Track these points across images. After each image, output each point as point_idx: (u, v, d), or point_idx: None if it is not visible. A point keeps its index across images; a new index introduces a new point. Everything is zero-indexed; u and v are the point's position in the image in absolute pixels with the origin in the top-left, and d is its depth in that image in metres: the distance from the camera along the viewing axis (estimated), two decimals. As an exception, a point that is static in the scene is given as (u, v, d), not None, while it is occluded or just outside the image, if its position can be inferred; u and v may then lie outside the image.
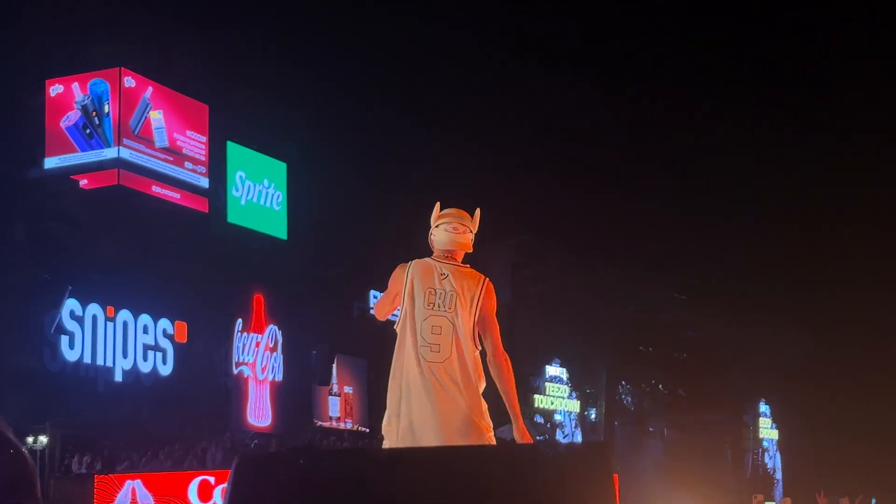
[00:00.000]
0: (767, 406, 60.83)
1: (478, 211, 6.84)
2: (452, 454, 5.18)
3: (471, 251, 6.75)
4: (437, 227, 6.69)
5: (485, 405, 6.34)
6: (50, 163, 35.87)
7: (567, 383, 51.36)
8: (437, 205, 6.80)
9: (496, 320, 6.52)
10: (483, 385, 6.45)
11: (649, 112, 54.39)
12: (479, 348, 6.43)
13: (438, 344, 6.28)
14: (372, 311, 43.77)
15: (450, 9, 48.45)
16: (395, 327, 6.53)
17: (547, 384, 50.10)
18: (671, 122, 55.36)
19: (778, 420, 60.95)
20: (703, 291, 54.20)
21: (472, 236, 6.74)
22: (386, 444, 6.34)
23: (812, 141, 54.47)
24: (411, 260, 6.63)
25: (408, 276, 6.50)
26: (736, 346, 53.87)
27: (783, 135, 56.43)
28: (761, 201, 55.60)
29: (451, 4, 49.07)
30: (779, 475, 59.77)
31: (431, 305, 6.35)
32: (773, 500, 57.81)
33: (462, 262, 6.67)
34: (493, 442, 6.25)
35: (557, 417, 50.36)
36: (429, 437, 6.11)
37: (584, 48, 54.01)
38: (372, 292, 42.96)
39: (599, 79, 55.06)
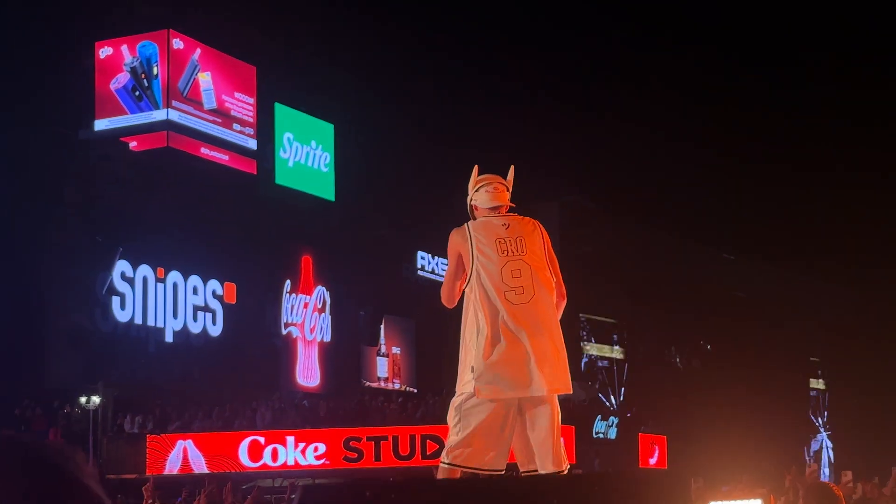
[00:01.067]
0: (818, 367, 60.49)
1: (511, 168, 7.04)
2: (527, 484, 5.34)
3: (513, 207, 6.95)
4: (476, 191, 6.87)
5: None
6: (100, 125, 36.13)
7: (615, 343, 51.28)
8: (475, 169, 6.95)
9: (555, 255, 6.78)
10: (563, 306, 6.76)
11: (693, 70, 53.86)
12: (554, 279, 6.66)
13: (521, 286, 6.45)
14: (420, 273, 43.83)
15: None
16: (463, 288, 6.59)
17: (595, 344, 50.04)
18: (719, 80, 54.81)
19: (827, 378, 60.61)
20: (751, 252, 53.84)
21: (509, 194, 6.95)
22: (469, 399, 6.40)
23: (861, 99, 53.70)
24: (463, 224, 6.74)
25: (470, 235, 6.63)
26: (784, 306, 53.51)
27: (834, 92, 55.66)
28: (811, 162, 54.97)
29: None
30: (825, 440, 59.51)
31: (505, 252, 6.52)
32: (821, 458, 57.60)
33: None
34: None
35: (603, 367, 50.32)
36: (524, 378, 6.31)
37: (624, 7, 53.52)
38: (419, 253, 43.00)
39: (647, 39, 54.53)
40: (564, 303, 6.67)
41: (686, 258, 51.17)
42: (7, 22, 33.86)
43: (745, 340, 50.87)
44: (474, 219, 6.80)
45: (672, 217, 51.23)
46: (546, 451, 6.39)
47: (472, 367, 6.40)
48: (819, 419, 60.20)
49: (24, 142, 32.13)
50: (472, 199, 6.88)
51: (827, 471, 54.13)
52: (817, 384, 60.85)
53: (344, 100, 41.58)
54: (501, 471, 6.43)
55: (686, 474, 4.77)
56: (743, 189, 54.49)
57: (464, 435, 6.32)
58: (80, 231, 32.03)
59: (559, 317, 6.60)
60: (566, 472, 6.40)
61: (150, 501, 10.29)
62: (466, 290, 6.53)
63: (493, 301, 6.42)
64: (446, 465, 6.35)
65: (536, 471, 6.38)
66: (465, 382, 6.44)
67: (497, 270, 6.46)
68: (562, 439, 6.50)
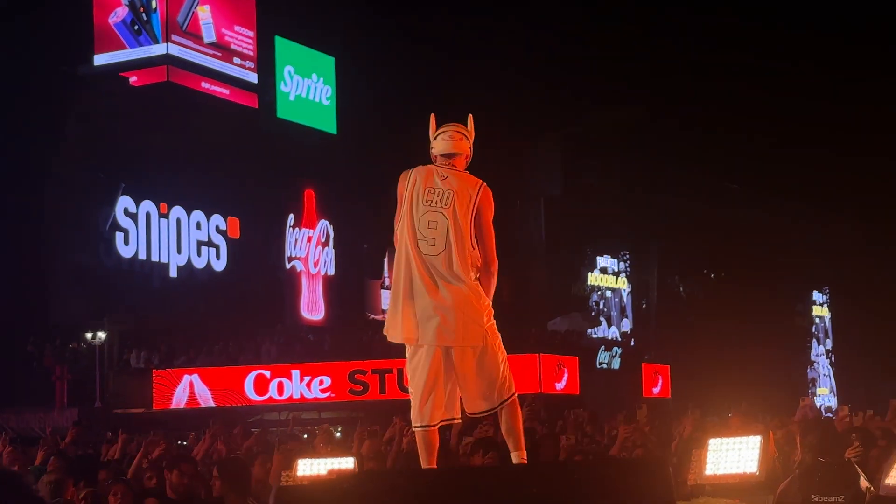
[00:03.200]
0: (821, 295, 60.64)
1: (470, 118, 6.99)
2: (513, 473, 5.46)
3: (470, 157, 6.91)
4: (435, 139, 6.89)
5: (482, 292, 6.53)
6: (99, 60, 35.93)
7: (618, 273, 51.37)
8: (433, 117, 6.98)
9: (492, 228, 6.66)
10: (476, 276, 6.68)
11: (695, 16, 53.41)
12: (475, 249, 6.58)
13: (434, 238, 6.51)
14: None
15: None
16: (395, 227, 6.71)
17: (598, 275, 50.15)
18: (716, 26, 54.34)
19: (832, 307, 60.78)
20: (755, 181, 53.70)
21: (469, 143, 6.91)
22: (391, 339, 6.58)
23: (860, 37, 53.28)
24: (414, 167, 6.87)
25: (409, 178, 6.78)
26: (788, 236, 53.52)
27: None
28: (815, 90, 54.63)
29: None
30: (826, 368, 59.78)
31: (429, 202, 6.61)
32: (824, 391, 57.93)
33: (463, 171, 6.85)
34: (493, 325, 6.54)
35: (607, 298, 50.48)
36: (430, 329, 6.40)
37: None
38: (422, 186, 42.90)
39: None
40: (493, 280, 6.60)
41: (690, 188, 51.06)
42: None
43: (749, 269, 50.92)
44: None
45: (676, 147, 51.03)
46: (470, 394, 6.50)
47: (389, 312, 6.60)
48: (822, 346, 60.46)
49: (24, 79, 31.97)
50: (431, 147, 6.92)
51: (834, 400, 54.51)
52: (821, 311, 61.03)
53: (345, 32, 41.27)
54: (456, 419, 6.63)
55: (666, 461, 4.83)
56: (748, 118, 54.24)
57: (412, 392, 6.46)
58: (82, 167, 31.99)
59: (489, 294, 6.59)
60: (504, 405, 6.50)
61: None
62: (397, 227, 6.66)
63: (409, 247, 6.55)
64: (414, 428, 6.49)
65: (454, 419, 6.56)
66: (387, 324, 6.61)
67: (417, 218, 6.58)
68: (498, 377, 6.54)
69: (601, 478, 4.74)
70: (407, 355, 6.53)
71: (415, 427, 6.43)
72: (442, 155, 6.84)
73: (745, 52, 53.71)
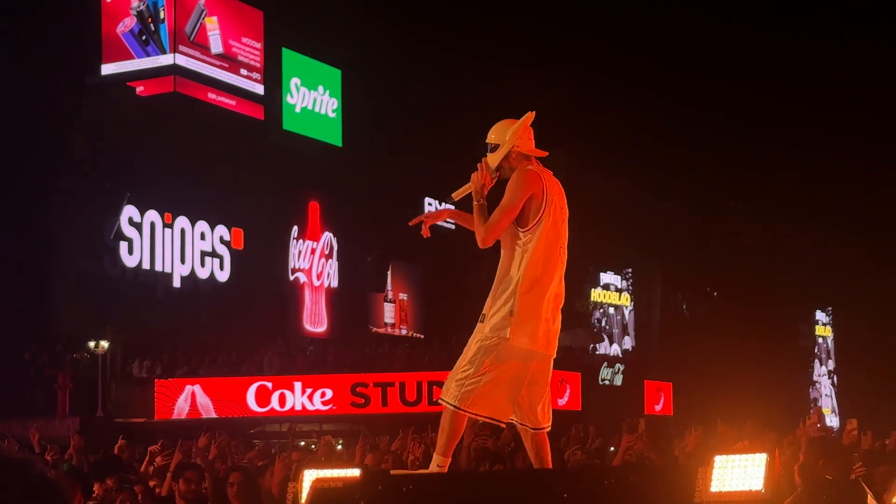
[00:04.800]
0: (824, 314, 60.56)
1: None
2: (538, 476, 5.49)
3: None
4: (521, 138, 6.64)
5: None
6: (107, 69, 36.00)
7: (621, 290, 51.34)
8: (531, 116, 6.73)
9: None
10: None
11: (697, 23, 53.45)
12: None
13: (565, 247, 6.64)
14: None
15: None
16: (525, 230, 6.44)
17: (601, 291, 50.12)
18: (722, 36, 54.42)
19: (834, 326, 60.69)
20: (758, 199, 53.71)
21: None
22: (501, 344, 6.31)
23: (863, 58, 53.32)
24: (529, 166, 6.62)
25: (543, 178, 6.58)
26: (792, 255, 53.49)
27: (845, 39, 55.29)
28: (817, 109, 54.67)
29: None
30: (828, 389, 59.66)
31: (562, 208, 6.68)
32: (827, 409, 57.79)
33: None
34: None
35: (609, 315, 50.43)
36: (553, 336, 6.42)
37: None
38: (427, 199, 42.98)
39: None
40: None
41: (693, 205, 51.08)
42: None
43: (752, 287, 50.90)
44: (510, 166, 6.56)
45: (679, 165, 51.08)
46: (545, 406, 6.42)
47: (512, 313, 6.30)
48: (825, 367, 60.35)
49: (32, 88, 32.03)
50: (515, 146, 6.61)
51: (837, 420, 54.40)
52: (824, 331, 60.95)
53: (351, 45, 41.35)
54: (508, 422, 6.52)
55: (693, 465, 4.87)
56: (750, 136, 54.27)
57: (486, 381, 6.23)
58: (88, 177, 32.03)
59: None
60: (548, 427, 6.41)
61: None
62: (523, 235, 6.44)
63: (552, 256, 6.46)
64: (460, 411, 6.28)
65: (529, 426, 6.37)
66: (502, 327, 6.31)
67: (561, 226, 6.56)
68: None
69: (629, 481, 4.73)
70: (492, 343, 6.31)
71: (481, 416, 6.30)
72: (525, 157, 6.66)
73: (748, 69, 53.75)
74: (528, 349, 6.25)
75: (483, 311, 6.43)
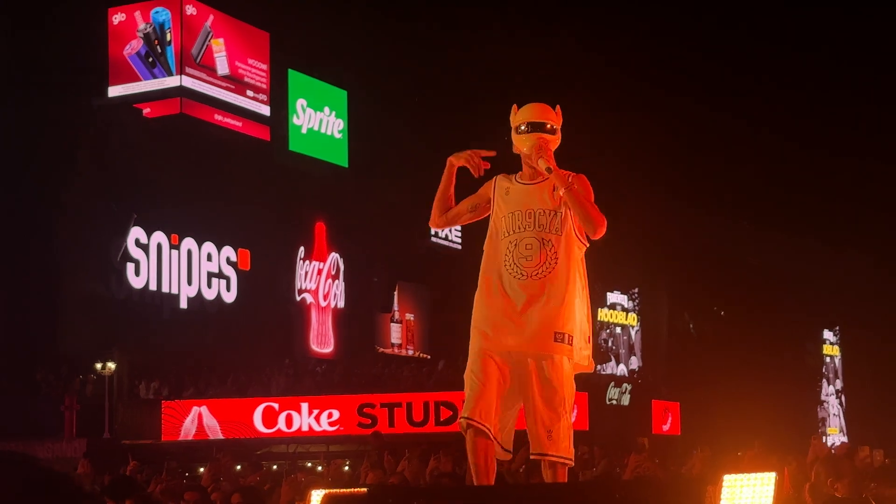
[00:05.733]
0: (831, 333, 60.43)
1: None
2: (551, 492, 5.48)
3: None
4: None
5: None
6: (114, 91, 36.12)
7: (628, 310, 51.29)
8: (558, 109, 6.38)
9: None
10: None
11: (711, 40, 53.53)
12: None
13: None
14: (434, 239, 43.73)
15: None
16: (584, 242, 6.27)
17: (608, 311, 50.06)
18: (736, 52, 54.48)
19: (841, 345, 60.56)
20: (765, 218, 53.69)
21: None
22: (590, 370, 6.31)
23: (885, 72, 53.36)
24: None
25: None
26: (799, 274, 53.42)
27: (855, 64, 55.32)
28: (824, 128, 54.72)
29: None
30: (836, 408, 59.48)
31: None
32: (834, 430, 57.59)
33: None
34: None
35: (616, 335, 50.36)
36: None
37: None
38: (433, 220, 42.89)
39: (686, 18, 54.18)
40: None
41: (700, 224, 51.05)
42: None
43: (759, 307, 50.81)
44: (547, 162, 6.14)
45: (687, 184, 51.08)
46: None
47: (588, 337, 6.17)
48: (832, 386, 60.18)
49: (38, 109, 32.13)
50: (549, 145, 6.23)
51: (845, 439, 54.20)
52: (831, 350, 60.81)
53: (357, 66, 41.45)
54: None
55: (702, 483, 4.85)
56: (758, 155, 54.29)
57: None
58: (95, 198, 32.09)
59: None
60: None
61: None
62: (582, 247, 6.31)
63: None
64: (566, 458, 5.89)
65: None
66: (581, 353, 6.11)
67: None
68: None
69: (639, 496, 4.71)
70: (572, 370, 6.04)
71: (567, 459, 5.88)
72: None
73: (755, 89, 53.80)
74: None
75: (559, 329, 5.97)
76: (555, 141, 6.24)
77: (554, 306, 5.94)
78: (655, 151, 49.89)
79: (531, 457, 5.92)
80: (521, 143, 6.17)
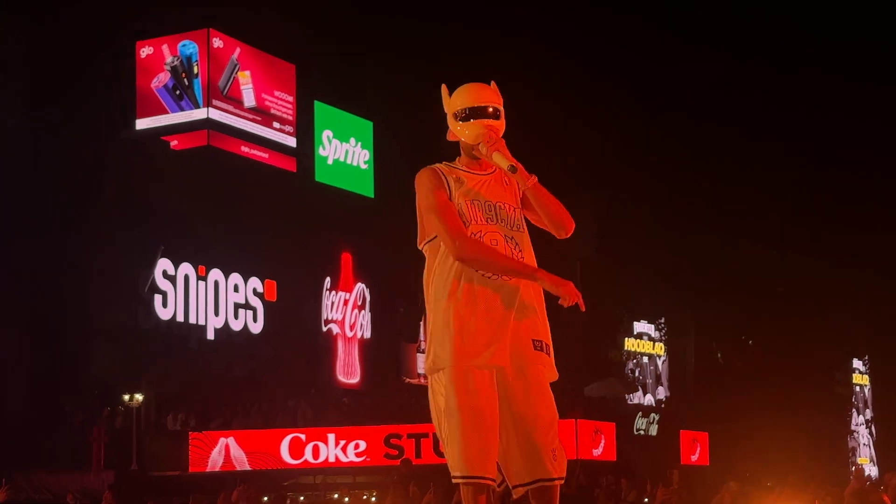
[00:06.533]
0: (861, 363, 59.97)
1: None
2: None
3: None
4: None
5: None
6: (141, 124, 36.37)
7: (654, 339, 51.03)
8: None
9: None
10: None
11: (729, 63, 53.50)
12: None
13: None
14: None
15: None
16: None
17: (634, 340, 49.83)
18: (758, 69, 54.42)
19: (871, 374, 60.07)
20: (793, 246, 53.43)
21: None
22: None
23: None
24: None
25: None
26: (827, 302, 53.07)
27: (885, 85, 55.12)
28: (854, 156, 54.49)
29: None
30: (866, 438, 58.93)
31: None
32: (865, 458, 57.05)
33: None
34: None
35: (643, 364, 50.11)
36: None
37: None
38: (459, 250, 42.92)
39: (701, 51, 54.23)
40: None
41: (727, 253, 50.82)
42: (50, 23, 34.15)
43: (787, 335, 50.48)
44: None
45: (713, 211, 50.93)
46: None
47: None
48: (862, 416, 59.65)
49: (67, 141, 32.39)
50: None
51: (876, 470, 53.68)
52: (861, 380, 60.30)
53: (382, 97, 41.61)
54: None
55: None
56: (786, 182, 54.08)
57: None
58: (122, 230, 32.25)
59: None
60: None
61: None
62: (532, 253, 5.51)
63: None
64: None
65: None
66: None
67: None
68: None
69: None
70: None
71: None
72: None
73: (781, 116, 53.66)
74: None
75: (542, 339, 5.30)
76: (501, 126, 5.41)
77: (529, 311, 5.24)
78: (681, 180, 49.80)
79: (534, 486, 5.04)
80: (463, 132, 5.41)
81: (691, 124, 51.33)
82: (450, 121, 5.53)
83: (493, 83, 5.51)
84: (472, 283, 5.26)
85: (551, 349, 5.30)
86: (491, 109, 5.36)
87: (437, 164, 5.60)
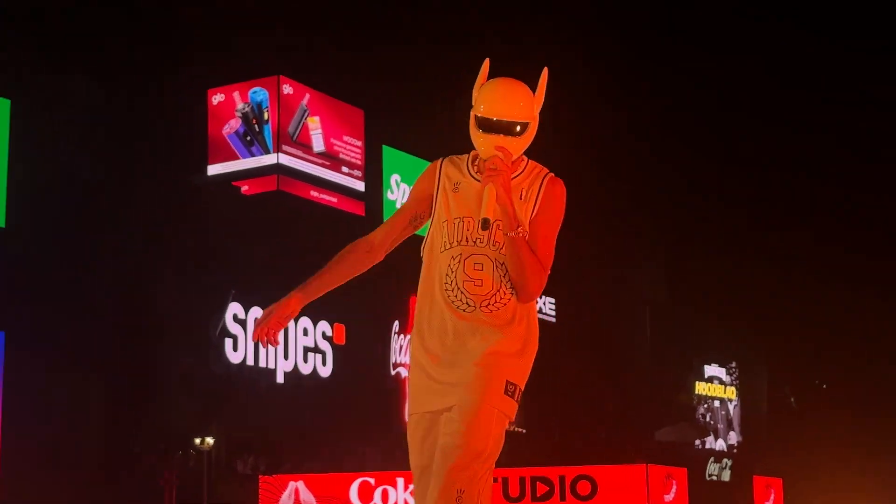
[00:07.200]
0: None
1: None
2: None
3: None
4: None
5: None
6: (213, 169, 36.86)
7: (726, 383, 50.44)
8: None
9: None
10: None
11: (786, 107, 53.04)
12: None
13: None
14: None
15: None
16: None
17: (706, 384, 49.29)
18: (838, 132, 53.89)
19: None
20: (867, 285, 52.59)
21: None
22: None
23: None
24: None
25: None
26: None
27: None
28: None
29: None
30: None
31: None
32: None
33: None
34: None
35: (714, 408, 49.50)
36: None
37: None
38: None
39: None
40: None
41: (800, 294, 50.19)
42: (124, 71, 34.82)
43: (862, 376, 49.64)
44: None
45: (787, 253, 50.37)
46: None
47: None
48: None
49: (138, 187, 32.89)
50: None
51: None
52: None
53: (449, 141, 41.72)
54: None
55: None
56: (854, 219, 53.34)
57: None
58: (194, 274, 32.62)
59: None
60: None
61: None
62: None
63: None
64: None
65: None
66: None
67: None
68: None
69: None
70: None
71: None
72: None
73: (853, 150, 53.06)
74: None
75: (517, 382, 4.65)
76: (523, 142, 4.49)
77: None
78: (746, 222, 49.35)
79: None
80: (475, 139, 4.61)
81: (760, 169, 50.95)
82: (472, 112, 4.60)
83: (543, 76, 4.53)
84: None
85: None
86: (518, 128, 4.41)
87: (447, 159, 4.90)
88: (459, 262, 4.66)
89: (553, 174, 4.59)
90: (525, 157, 4.60)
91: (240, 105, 36.87)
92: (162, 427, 31.50)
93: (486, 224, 4.28)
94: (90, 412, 30.91)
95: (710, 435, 48.27)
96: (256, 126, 36.75)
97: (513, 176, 4.47)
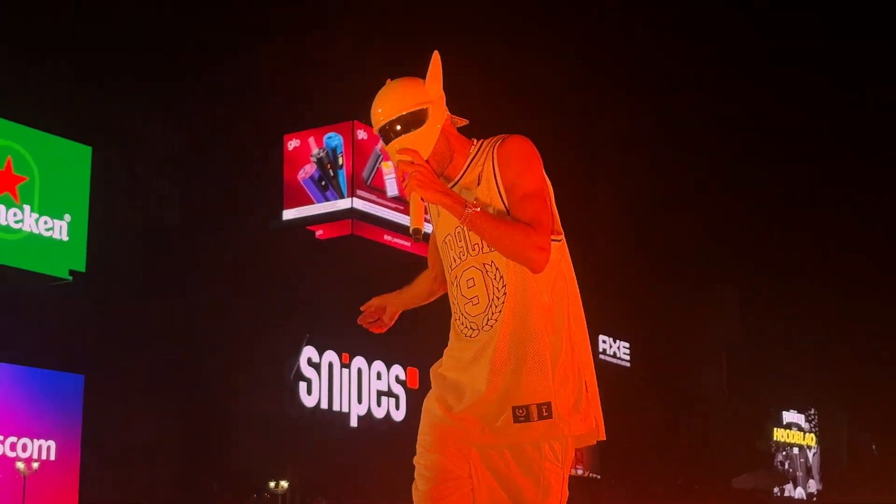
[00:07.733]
0: None
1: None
2: None
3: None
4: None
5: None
6: (288, 214, 37.22)
7: (805, 430, 49.59)
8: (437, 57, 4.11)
9: None
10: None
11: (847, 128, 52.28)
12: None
13: None
14: (601, 357, 43.39)
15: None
16: (556, 237, 3.98)
17: (784, 431, 48.51)
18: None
19: None
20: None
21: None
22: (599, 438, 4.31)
23: None
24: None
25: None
26: None
27: None
28: None
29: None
30: None
31: None
32: None
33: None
34: None
35: (793, 456, 48.65)
36: None
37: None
38: (600, 336, 42.64)
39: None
40: None
41: (879, 338, 49.28)
42: (201, 119, 35.36)
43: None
44: (448, 146, 4.05)
45: (865, 296, 49.51)
46: None
47: (587, 386, 4.06)
48: None
49: (218, 233, 33.32)
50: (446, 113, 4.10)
51: None
52: None
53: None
54: None
55: None
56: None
57: None
58: (269, 318, 32.90)
59: None
60: None
61: None
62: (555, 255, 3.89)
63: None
64: None
65: None
66: (580, 417, 4.03)
67: None
68: None
69: None
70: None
71: None
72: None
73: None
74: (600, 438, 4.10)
75: (519, 402, 3.89)
76: (427, 132, 4.00)
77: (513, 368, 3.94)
78: (830, 265, 48.63)
79: None
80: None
81: (831, 213, 50.29)
82: None
83: (434, 58, 4.07)
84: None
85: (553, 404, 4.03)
86: (398, 126, 3.93)
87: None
88: (457, 286, 4.17)
89: (505, 134, 4.05)
90: (475, 140, 4.14)
91: (315, 150, 37.25)
92: (237, 470, 31.68)
93: (416, 234, 3.98)
94: (167, 455, 31.19)
95: (788, 482, 47.41)
96: (331, 171, 37.09)
97: (465, 164, 4.03)
